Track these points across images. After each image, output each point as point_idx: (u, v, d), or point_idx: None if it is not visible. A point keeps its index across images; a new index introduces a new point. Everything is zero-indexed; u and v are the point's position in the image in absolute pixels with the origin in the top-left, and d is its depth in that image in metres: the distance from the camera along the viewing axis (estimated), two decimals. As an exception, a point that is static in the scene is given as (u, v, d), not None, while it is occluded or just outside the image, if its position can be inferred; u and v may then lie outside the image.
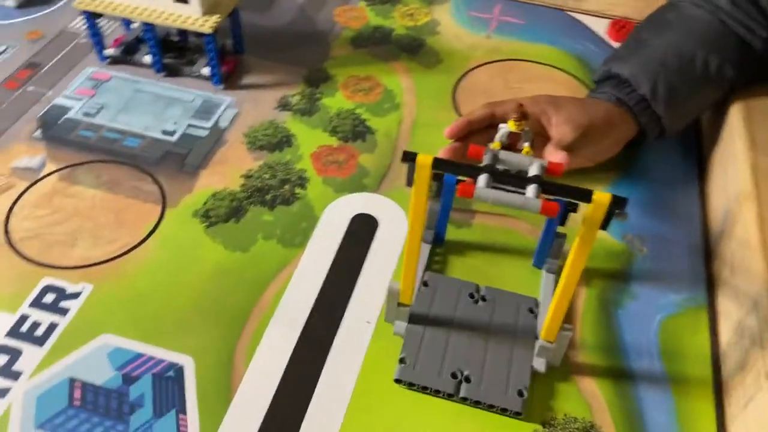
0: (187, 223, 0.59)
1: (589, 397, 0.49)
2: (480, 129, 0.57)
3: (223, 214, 0.60)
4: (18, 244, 0.56)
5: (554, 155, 0.56)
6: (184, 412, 0.46)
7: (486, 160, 0.41)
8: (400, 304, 0.50)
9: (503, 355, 0.49)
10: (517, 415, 0.47)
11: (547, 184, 0.39)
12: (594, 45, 0.81)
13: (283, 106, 0.71)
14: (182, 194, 0.61)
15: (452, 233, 0.59)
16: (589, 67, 0.77)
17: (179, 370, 0.49)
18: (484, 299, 0.53)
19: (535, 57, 0.78)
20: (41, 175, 0.62)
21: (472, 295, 0.53)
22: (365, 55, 0.78)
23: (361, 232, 0.59)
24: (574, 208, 0.50)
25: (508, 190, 0.39)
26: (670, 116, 0.61)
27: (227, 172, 0.63)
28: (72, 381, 0.48)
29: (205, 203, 0.60)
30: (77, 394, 0.47)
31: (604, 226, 0.39)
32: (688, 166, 0.67)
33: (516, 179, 0.39)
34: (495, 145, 0.50)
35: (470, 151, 0.42)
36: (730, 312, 0.52)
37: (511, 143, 0.51)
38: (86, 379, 0.48)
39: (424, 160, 0.40)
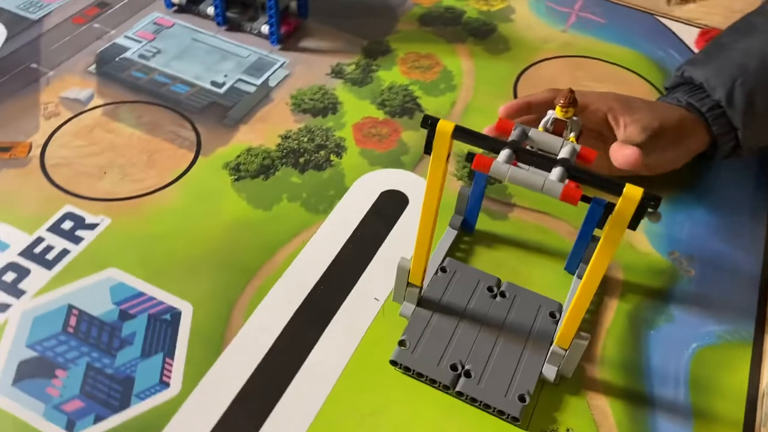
0: (216, 174, 0.58)
1: (598, 415, 0.44)
2: (538, 113, 0.53)
3: (253, 169, 0.58)
4: (50, 170, 0.57)
5: (622, 149, 0.51)
6: (172, 357, 0.45)
7: (513, 135, 0.38)
8: (409, 285, 0.47)
9: (511, 356, 0.46)
10: (514, 420, 0.43)
11: (574, 168, 0.35)
12: (678, 52, 0.75)
13: (336, 73, 0.69)
14: (217, 145, 0.60)
15: (485, 223, 0.56)
16: (667, 73, 0.72)
17: (176, 315, 0.48)
18: (503, 295, 0.49)
19: (610, 57, 0.74)
20: (87, 107, 0.63)
21: (491, 289, 0.50)
22: (430, 34, 0.75)
23: (388, 208, 0.56)
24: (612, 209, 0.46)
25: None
26: (747, 127, 0.55)
27: (266, 130, 0.62)
28: (70, 308, 0.47)
29: (237, 157, 0.59)
30: (73, 321, 0.47)
31: (633, 225, 0.35)
32: (762, 192, 0.61)
33: (541, 159, 0.36)
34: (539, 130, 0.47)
35: (498, 126, 0.39)
36: (777, 352, 0.47)
37: (556, 131, 0.47)
38: (84, 308, 0.47)
39: (445, 127, 0.37)
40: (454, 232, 0.54)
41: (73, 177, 0.56)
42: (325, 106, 0.65)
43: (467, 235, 0.55)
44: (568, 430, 0.44)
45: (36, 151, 0.58)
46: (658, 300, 0.51)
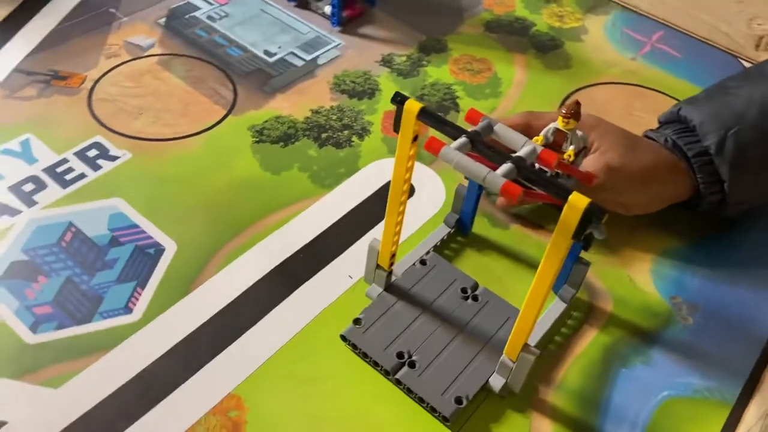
0: (239, 134, 0.60)
1: (536, 438, 0.43)
2: None
3: (275, 135, 0.60)
4: (94, 102, 0.61)
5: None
6: (143, 288, 0.48)
7: (478, 126, 0.37)
8: (378, 267, 0.47)
9: (462, 358, 0.45)
10: (444, 420, 0.42)
11: (525, 168, 0.34)
12: (751, 99, 0.70)
13: (386, 62, 0.70)
14: (250, 108, 0.63)
15: (484, 228, 0.55)
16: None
17: (160, 251, 0.50)
18: (476, 299, 0.48)
19: (674, 92, 0.70)
20: (145, 54, 0.67)
21: (464, 290, 0.49)
22: (492, 40, 0.75)
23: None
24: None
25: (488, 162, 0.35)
26: (734, 181, 0.51)
27: (300, 102, 0.64)
28: (70, 225, 0.51)
29: (265, 121, 0.61)
30: (68, 237, 0.50)
31: (577, 236, 0.34)
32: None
33: (494, 153, 0.35)
34: (538, 139, 0.46)
35: (467, 115, 0.38)
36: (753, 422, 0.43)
37: (557, 142, 0.46)
38: (82, 227, 0.51)
39: (412, 106, 0.37)
40: (447, 229, 0.53)
41: (112, 112, 0.60)
42: (363, 90, 0.66)
43: (462, 235, 0.54)
44: (499, 444, 0.42)
45: (88, 84, 0.63)
46: (641, 340, 0.48)
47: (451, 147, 0.35)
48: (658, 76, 0.72)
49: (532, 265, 0.52)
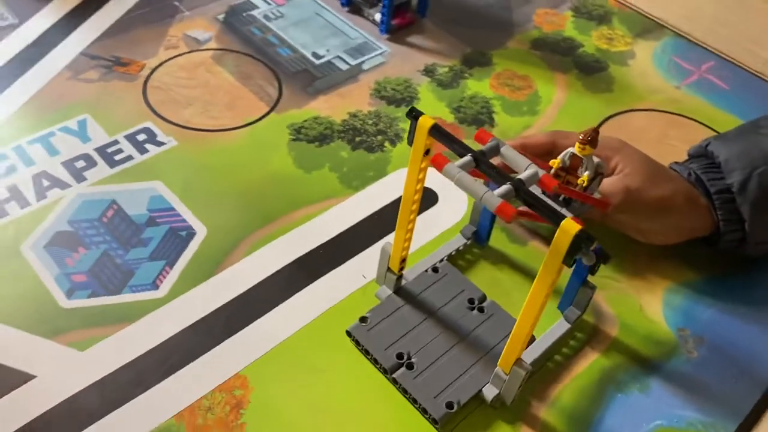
0: (279, 130, 0.63)
1: (522, 450, 0.44)
2: (536, 156, 0.52)
3: (312, 135, 0.63)
4: (149, 89, 0.65)
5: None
6: (171, 267, 0.51)
7: (485, 147, 0.39)
8: (389, 270, 0.49)
9: (460, 365, 0.46)
10: (434, 422, 0.44)
11: (523, 190, 0.36)
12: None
13: (428, 72, 0.72)
14: (292, 107, 0.66)
15: (501, 242, 0.56)
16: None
17: (191, 234, 0.54)
18: (481, 310, 0.50)
19: (715, 124, 0.69)
20: (201, 48, 0.71)
21: (471, 300, 0.50)
22: (537, 58, 0.76)
23: (415, 202, 0.58)
24: (605, 260, 0.45)
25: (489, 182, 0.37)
26: (755, 221, 0.51)
27: (340, 105, 0.67)
28: (113, 202, 0.55)
29: (304, 121, 0.64)
30: (110, 213, 0.54)
31: (567, 261, 0.35)
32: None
33: (496, 174, 0.36)
34: (555, 162, 0.47)
35: (477, 135, 0.40)
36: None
37: (572, 166, 0.47)
38: (123, 206, 0.55)
39: (425, 122, 0.39)
40: (463, 240, 0.55)
41: (164, 101, 0.64)
42: (402, 98, 0.68)
43: (478, 247, 0.56)
44: (485, 451, 0.44)
45: (145, 72, 0.67)
46: (642, 367, 0.49)
47: (455, 165, 0.37)
48: (701, 106, 0.72)
49: (543, 283, 0.54)
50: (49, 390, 0.44)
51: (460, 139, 0.38)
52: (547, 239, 0.57)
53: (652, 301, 0.53)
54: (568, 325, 0.50)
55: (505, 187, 0.36)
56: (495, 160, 0.39)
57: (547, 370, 0.48)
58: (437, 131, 0.38)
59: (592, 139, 0.45)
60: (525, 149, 0.53)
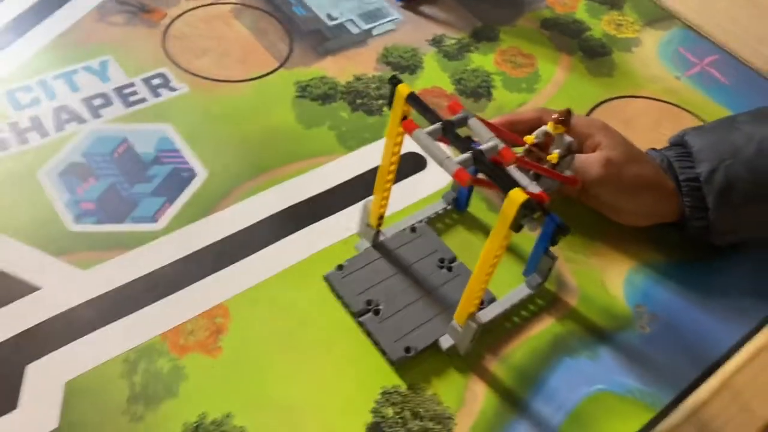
0: (285, 86, 0.67)
1: (469, 396, 0.48)
2: (521, 132, 0.54)
3: (316, 94, 0.67)
4: (168, 37, 0.69)
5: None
6: (171, 203, 0.56)
7: (455, 117, 0.42)
8: (368, 225, 0.53)
9: (422, 316, 0.51)
10: (391, 363, 0.48)
11: (481, 160, 0.39)
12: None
13: (436, 42, 0.75)
14: (300, 64, 0.69)
15: (479, 210, 0.60)
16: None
17: (193, 175, 0.58)
18: (450, 269, 0.54)
19: (709, 117, 0.71)
20: (221, 1, 0.75)
21: (442, 260, 0.54)
22: (543, 38, 0.78)
23: (404, 166, 0.62)
24: (565, 233, 0.49)
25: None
26: (718, 211, 0.53)
27: (346, 67, 0.70)
28: (124, 140, 0.60)
29: (311, 79, 0.68)
30: (121, 149, 0.59)
31: (514, 227, 0.39)
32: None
33: (458, 140, 0.40)
34: (529, 138, 0.50)
35: (449, 105, 0.43)
36: None
37: (546, 144, 0.51)
38: (133, 144, 0.60)
39: (403, 90, 0.42)
40: (443, 205, 0.58)
41: (180, 48, 0.68)
42: (407, 65, 0.72)
43: (458, 213, 0.59)
44: (434, 394, 0.48)
45: (167, 21, 0.71)
46: (594, 337, 0.53)
47: (423, 130, 0.40)
48: (698, 99, 0.74)
49: (511, 250, 0.57)
50: (51, 301, 0.49)
51: (432, 109, 0.42)
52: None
53: (615, 278, 0.57)
54: (528, 291, 0.54)
55: (465, 156, 0.39)
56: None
57: (503, 329, 0.52)
58: (413, 99, 0.42)
59: (565, 119, 0.49)
60: (513, 124, 0.56)
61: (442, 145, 0.41)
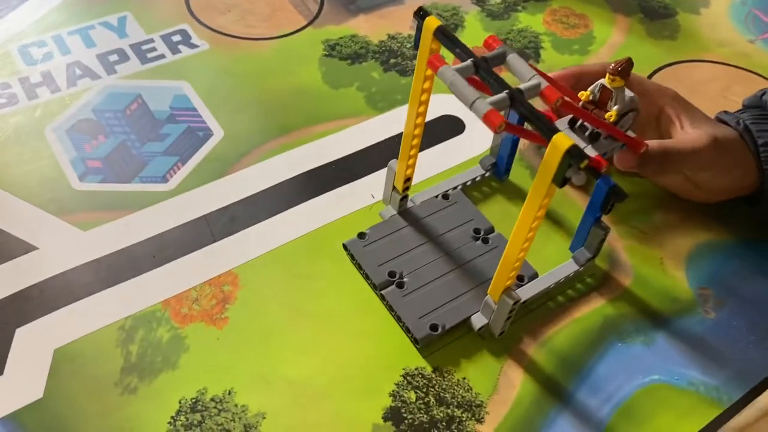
0: (312, 45, 0.62)
1: (504, 383, 0.42)
2: (587, 85, 0.48)
3: (345, 53, 0.62)
4: (191, -6, 0.65)
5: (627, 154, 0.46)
6: (183, 164, 0.52)
7: (490, 54, 0.36)
8: (394, 189, 0.48)
9: (452, 291, 0.45)
10: (415, 342, 0.43)
11: (519, 100, 0.33)
12: None
13: (479, 1, 0.69)
14: (330, 23, 0.64)
15: (522, 178, 0.53)
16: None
17: (208, 135, 0.54)
18: (486, 241, 0.48)
19: (785, 83, 0.64)
20: (250, -42, 0.70)
21: (478, 231, 0.48)
22: (599, -2, 0.71)
23: (439, 129, 0.56)
24: (620, 198, 0.42)
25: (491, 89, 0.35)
26: None
27: (380, 25, 0.65)
28: (138, 96, 0.56)
29: (340, 38, 0.63)
30: (134, 106, 0.55)
31: (557, 179, 0.33)
32: None
33: (493, 80, 0.34)
34: (584, 94, 0.44)
35: (485, 42, 0.37)
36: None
37: (602, 99, 0.44)
38: (147, 101, 0.56)
39: (431, 23, 0.37)
40: (480, 171, 0.52)
41: (204, 5, 0.64)
42: (446, 25, 0.65)
43: (497, 181, 0.53)
44: (464, 378, 0.42)
45: (191, -23, 0.67)
46: (650, 320, 0.46)
47: (451, 67, 0.35)
48: (773, 63, 0.66)
49: (558, 222, 0.51)
50: (48, 262, 0.45)
51: (463, 44, 0.36)
52: (573, 183, 0.54)
53: (677, 257, 0.50)
54: (576, 267, 0.47)
55: (500, 96, 0.33)
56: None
57: (546, 309, 0.46)
58: (442, 33, 0.36)
59: (623, 69, 0.42)
60: (580, 76, 0.50)
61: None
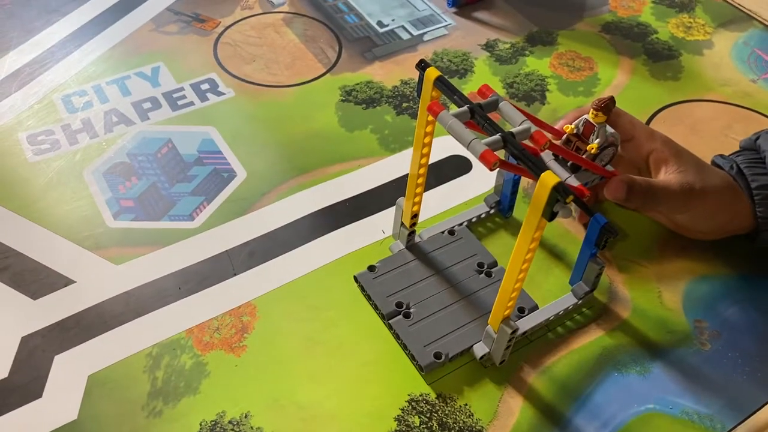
0: (330, 91, 0.66)
1: (504, 409, 0.45)
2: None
3: (360, 98, 0.66)
4: (219, 45, 0.70)
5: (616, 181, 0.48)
6: (209, 203, 0.56)
7: (484, 101, 0.40)
8: (402, 224, 0.51)
9: (456, 321, 0.48)
10: (420, 369, 0.46)
11: (511, 142, 0.37)
12: None
13: (488, 47, 0.72)
14: (347, 70, 0.69)
15: (525, 215, 0.56)
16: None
17: (232, 176, 0.58)
18: (489, 275, 0.51)
19: (787, 121, 0.66)
20: (274, 10, 0.75)
21: (481, 265, 0.51)
22: (605, 41, 0.74)
23: (447, 168, 0.60)
24: (612, 235, 0.45)
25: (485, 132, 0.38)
26: None
27: (393, 72, 0.69)
28: (168, 141, 0.60)
29: (356, 84, 0.67)
30: (164, 150, 0.60)
31: (546, 214, 0.36)
32: None
33: (488, 124, 0.38)
34: (568, 128, 0.47)
35: (479, 89, 0.41)
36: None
37: (585, 133, 0.48)
38: (177, 145, 0.60)
39: (431, 73, 0.40)
40: (485, 208, 0.56)
41: (230, 55, 0.69)
42: (457, 70, 0.70)
43: (501, 217, 0.56)
44: (466, 404, 0.45)
45: (219, 29, 0.72)
46: (646, 352, 0.48)
47: (448, 113, 0.38)
48: (775, 102, 0.68)
49: (559, 257, 0.54)
50: (84, 294, 0.49)
51: (460, 92, 0.40)
52: (578, 218, 0.56)
53: (674, 290, 0.52)
54: (574, 300, 0.50)
55: (494, 138, 0.37)
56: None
57: (546, 339, 0.49)
58: (441, 82, 0.40)
59: (605, 105, 0.45)
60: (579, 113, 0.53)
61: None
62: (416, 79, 0.68)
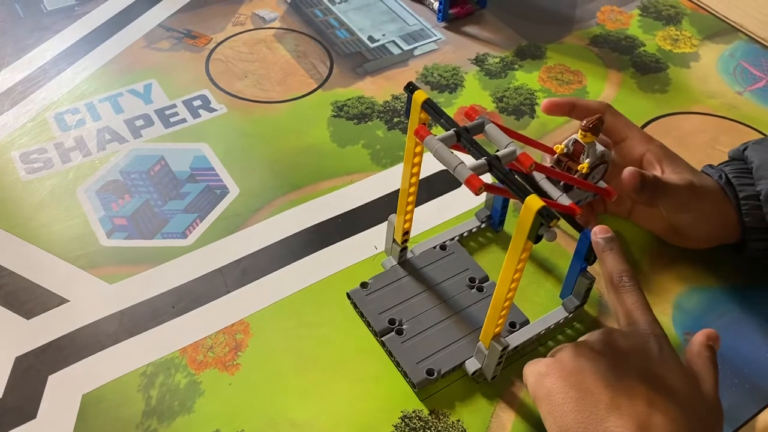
0: (322, 107, 0.67)
1: (495, 425, 0.45)
2: (579, 117, 0.51)
3: (352, 113, 0.66)
4: (211, 61, 0.71)
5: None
6: (201, 220, 0.56)
7: (471, 123, 0.40)
8: (395, 241, 0.51)
9: (448, 337, 0.48)
10: (413, 386, 0.46)
11: (496, 166, 0.37)
12: None
13: (478, 61, 0.73)
14: (339, 85, 0.69)
15: (516, 229, 0.57)
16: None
17: (224, 193, 0.58)
18: (480, 290, 0.51)
19: (772, 133, 0.67)
20: (266, 26, 0.76)
21: (472, 279, 0.52)
22: (593, 54, 0.75)
23: (439, 183, 0.60)
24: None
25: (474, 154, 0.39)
26: None
27: (384, 87, 0.69)
28: (161, 158, 0.61)
29: (348, 99, 0.68)
30: (157, 168, 0.60)
31: (531, 237, 0.36)
32: None
33: (474, 148, 0.38)
34: (558, 147, 0.48)
35: (466, 111, 0.41)
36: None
37: (575, 153, 0.48)
38: (169, 162, 0.60)
39: (419, 96, 0.41)
40: (476, 223, 0.56)
41: (222, 72, 0.70)
42: (447, 84, 0.70)
43: (493, 232, 0.57)
44: (458, 420, 0.45)
45: (211, 45, 0.73)
46: (636, 364, 0.49)
47: (435, 137, 0.39)
48: (761, 114, 0.69)
49: (549, 271, 0.54)
50: (78, 314, 0.49)
51: (447, 115, 0.40)
52: (568, 234, 0.57)
53: (663, 302, 0.53)
54: (565, 314, 0.50)
55: (479, 162, 0.37)
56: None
57: (537, 354, 0.49)
58: (429, 105, 0.40)
59: (594, 126, 0.46)
60: (573, 108, 0.53)
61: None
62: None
